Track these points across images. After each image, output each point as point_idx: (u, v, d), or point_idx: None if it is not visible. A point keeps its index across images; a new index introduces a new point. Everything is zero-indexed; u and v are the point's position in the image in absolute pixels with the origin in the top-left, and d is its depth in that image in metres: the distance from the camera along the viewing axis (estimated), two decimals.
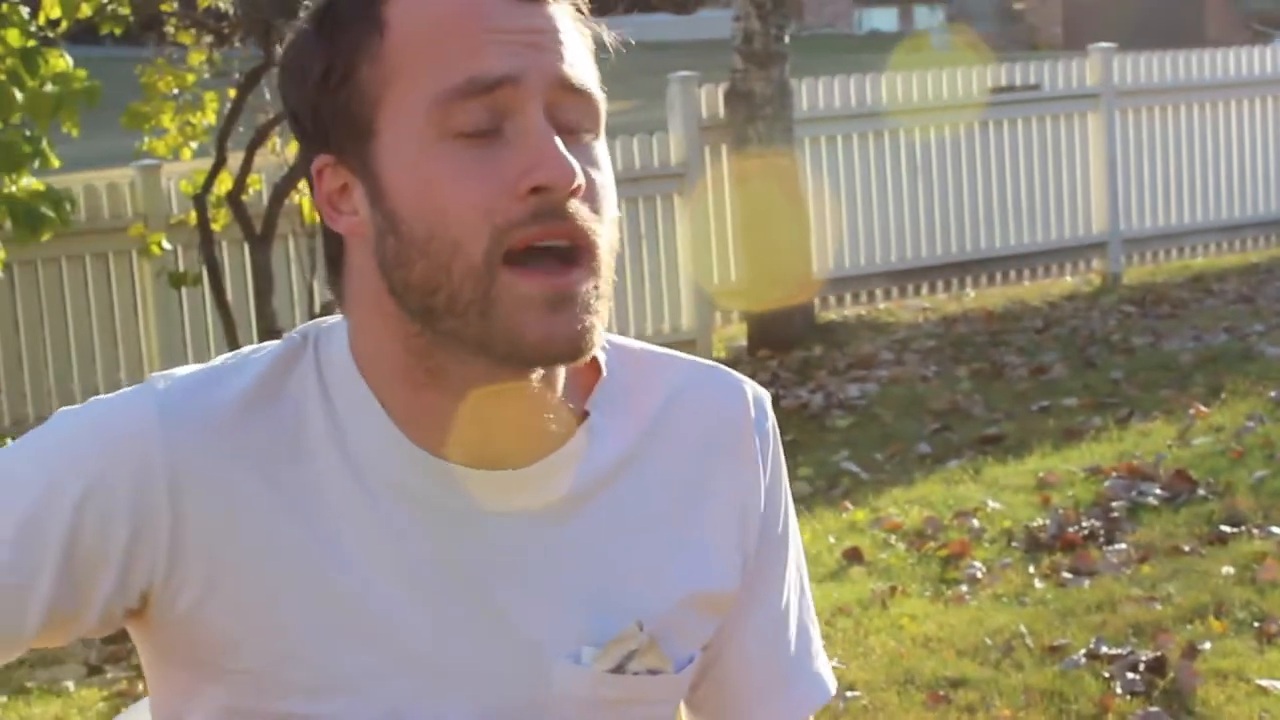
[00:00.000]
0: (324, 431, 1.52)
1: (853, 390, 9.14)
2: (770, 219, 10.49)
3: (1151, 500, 6.66)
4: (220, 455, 1.50)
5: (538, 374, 1.48)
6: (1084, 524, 6.42)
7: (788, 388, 9.37)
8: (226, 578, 1.50)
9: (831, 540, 6.53)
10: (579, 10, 1.51)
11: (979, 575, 6.00)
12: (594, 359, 1.59)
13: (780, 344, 10.38)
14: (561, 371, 1.53)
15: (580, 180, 1.42)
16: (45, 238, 6.25)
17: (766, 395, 1.70)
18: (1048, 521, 6.50)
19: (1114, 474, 7.05)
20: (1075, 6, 45.44)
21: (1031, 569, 6.01)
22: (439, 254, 1.43)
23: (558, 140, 1.43)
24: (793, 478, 6.86)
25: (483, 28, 1.44)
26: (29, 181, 6.18)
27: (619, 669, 1.55)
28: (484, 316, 1.42)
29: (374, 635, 1.51)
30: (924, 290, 11.76)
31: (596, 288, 1.45)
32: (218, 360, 1.57)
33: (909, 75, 11.65)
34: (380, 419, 1.51)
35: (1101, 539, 6.27)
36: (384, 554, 1.51)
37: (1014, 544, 6.33)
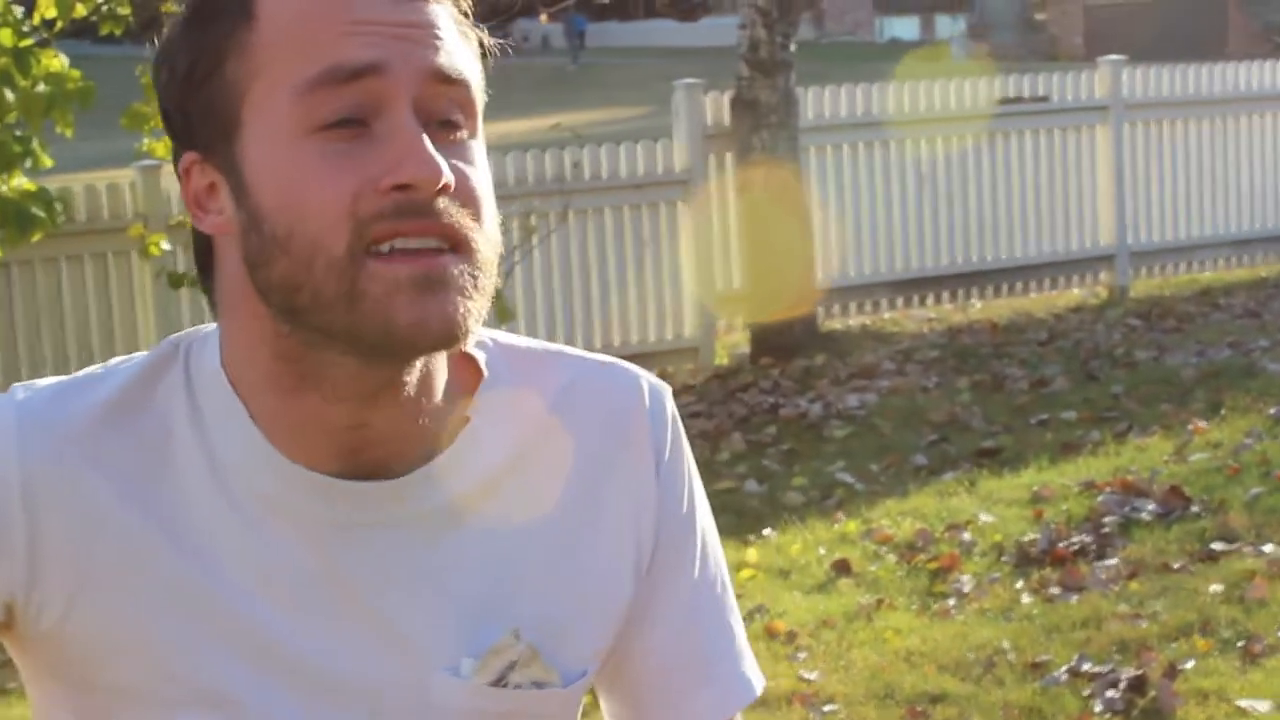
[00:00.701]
0: (191, 443, 1.49)
1: (852, 400, 9.11)
2: (774, 228, 10.48)
3: (1144, 516, 6.63)
4: (79, 466, 1.46)
5: (413, 375, 1.44)
6: (1075, 539, 6.40)
7: (788, 397, 9.34)
8: (90, 592, 1.46)
9: (821, 551, 6.51)
10: (462, 13, 1.47)
11: (966, 589, 5.98)
12: (475, 362, 1.55)
13: (783, 352, 10.35)
14: (440, 375, 1.48)
15: (447, 179, 1.38)
16: (35, 238, 6.25)
17: (666, 390, 1.63)
18: (1039, 536, 6.47)
19: (1108, 489, 7.03)
20: (1096, 18, 45.43)
21: (1020, 584, 5.99)
22: (300, 251, 1.38)
23: (425, 138, 1.38)
24: (787, 487, 6.91)
25: (351, 18, 1.40)
26: (20, 182, 6.17)
27: (499, 682, 1.51)
28: (352, 307, 1.38)
29: (249, 648, 1.48)
30: (929, 300, 11.73)
31: (473, 276, 1.40)
32: (85, 370, 1.54)
33: (916, 85, 11.62)
34: (248, 430, 1.48)
35: (1092, 554, 6.25)
36: (256, 567, 1.48)
37: (1004, 558, 6.31)
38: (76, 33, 6.78)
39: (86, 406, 1.49)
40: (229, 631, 1.48)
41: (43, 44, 6.27)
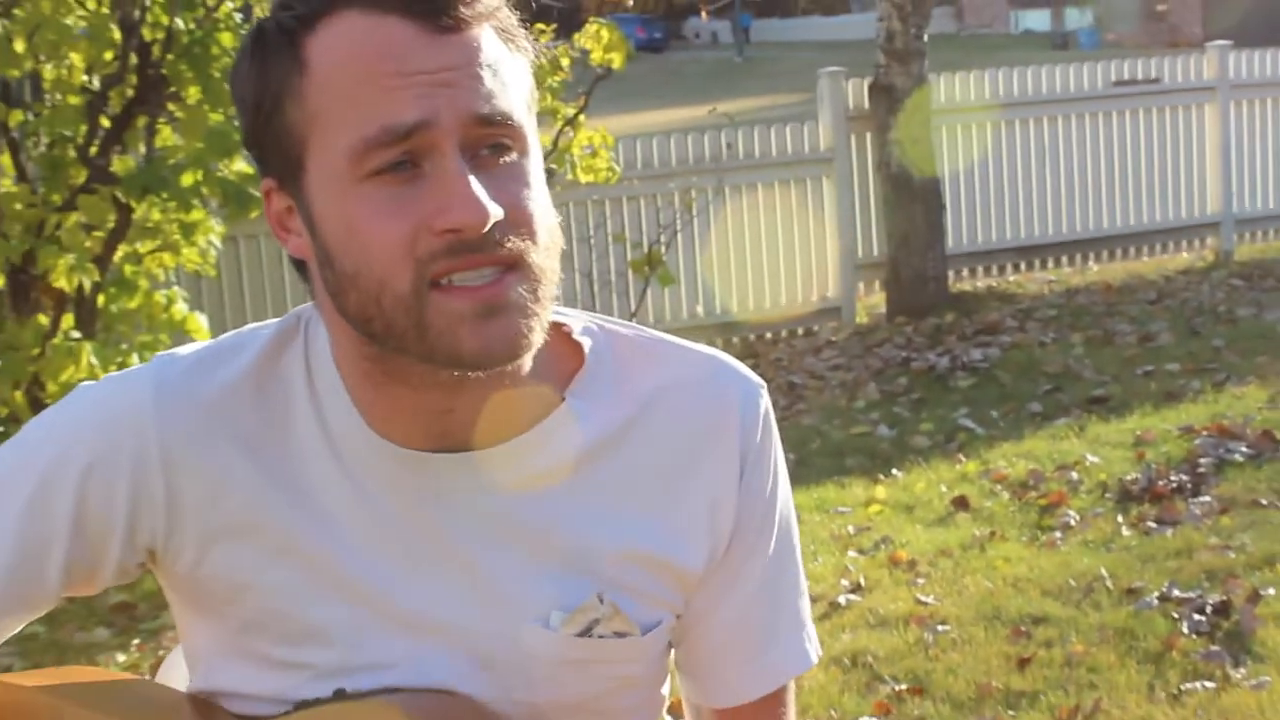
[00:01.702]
0: (309, 413, 1.49)
1: (976, 354, 9.01)
2: (910, 199, 10.41)
3: (1237, 457, 6.50)
4: (210, 434, 1.47)
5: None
6: (1173, 478, 6.28)
7: (919, 351, 9.26)
8: (218, 542, 1.49)
9: (943, 489, 6.46)
10: (501, 25, 1.42)
11: (1072, 523, 5.90)
12: (579, 347, 1.53)
13: (916, 311, 10.27)
14: (524, 364, 1.45)
15: (495, 215, 1.34)
16: (254, 215, 6.31)
17: (760, 389, 1.58)
18: (1140, 475, 6.36)
19: (1205, 433, 6.89)
20: (1214, 6, 44.42)
21: (1120, 518, 5.90)
22: (368, 288, 1.36)
23: (472, 180, 1.34)
24: (913, 433, 6.86)
25: (396, 70, 1.35)
26: (240, 166, 6.26)
27: (585, 633, 1.51)
28: (421, 337, 1.36)
29: (356, 594, 1.49)
30: (1050, 264, 11.56)
31: (533, 290, 1.38)
32: (222, 338, 1.54)
33: (1038, 70, 11.45)
34: (348, 410, 1.48)
35: (1188, 492, 6.13)
36: (364, 524, 1.48)
37: (1107, 495, 6.21)
38: None
39: (221, 380, 1.50)
40: (339, 579, 1.49)
41: None
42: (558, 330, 1.51)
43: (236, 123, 6.16)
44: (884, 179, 10.48)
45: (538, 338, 1.39)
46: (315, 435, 1.49)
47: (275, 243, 8.69)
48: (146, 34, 6.04)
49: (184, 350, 1.53)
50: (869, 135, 10.58)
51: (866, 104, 10.56)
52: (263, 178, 1.45)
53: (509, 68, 1.40)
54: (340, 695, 1.50)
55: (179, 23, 6.03)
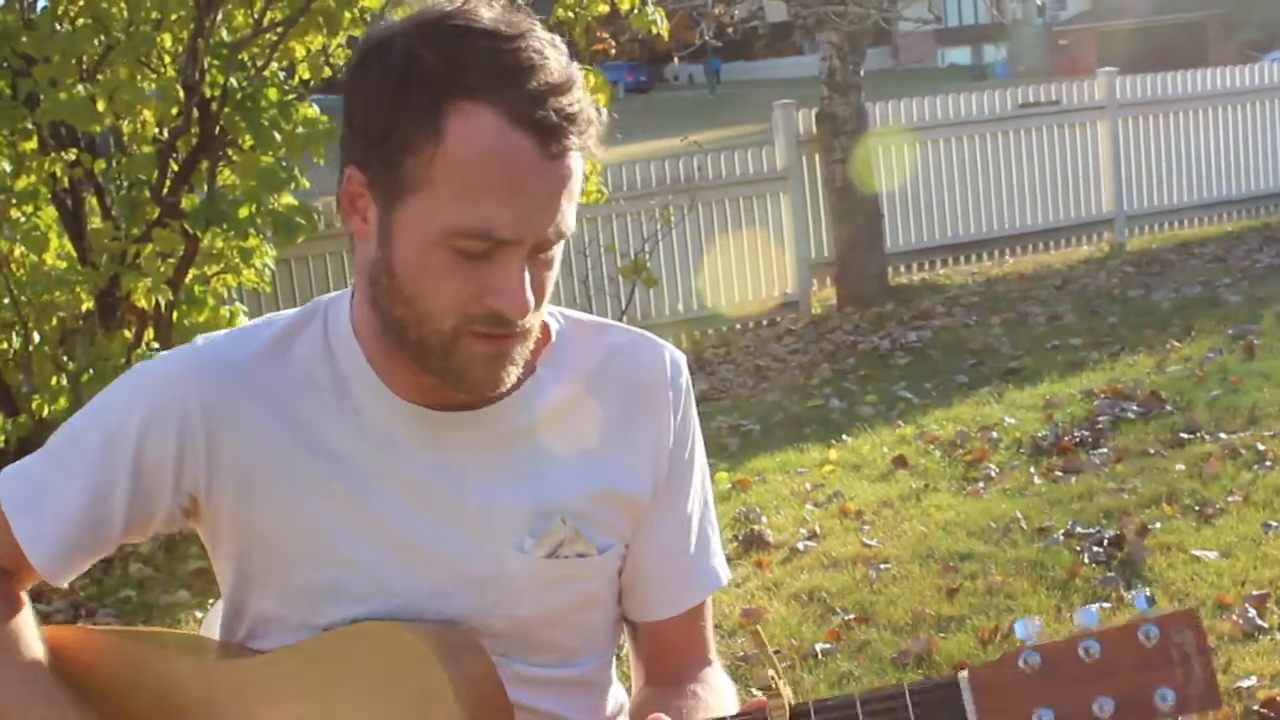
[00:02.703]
0: (329, 377, 1.52)
1: (912, 336, 9.00)
2: (852, 208, 10.39)
3: (1130, 415, 6.49)
4: (241, 392, 1.50)
5: None
6: (1076, 434, 6.27)
7: (864, 336, 9.25)
8: (252, 488, 1.51)
9: (885, 450, 6.45)
10: (587, 146, 1.42)
11: (993, 475, 5.89)
12: (548, 328, 1.58)
13: (862, 302, 10.26)
14: None
15: (530, 309, 1.42)
16: (300, 240, 6.31)
17: (682, 358, 1.66)
18: (1049, 433, 6.35)
19: (1103, 395, 6.88)
20: (1106, 40, 44.36)
21: (1033, 469, 5.89)
22: (417, 312, 1.41)
23: (527, 280, 1.40)
24: (859, 404, 6.85)
25: (512, 188, 1.36)
26: (287, 199, 6.25)
27: (553, 554, 1.55)
28: (444, 362, 1.43)
29: (368, 526, 1.51)
30: (973, 259, 11.54)
31: (526, 351, 1.47)
32: (251, 323, 1.58)
33: (958, 96, 11.44)
34: (368, 375, 1.51)
35: (1089, 445, 6.12)
36: (376, 468, 1.51)
37: (1022, 450, 6.21)
38: (326, 88, 6.84)
39: (250, 350, 1.52)
40: (354, 515, 1.51)
41: (300, 98, 6.34)
42: None
43: (285, 163, 6.17)
44: (831, 192, 10.46)
45: (515, 375, 1.47)
46: (332, 392, 1.52)
47: (319, 262, 8.69)
48: (206, 91, 6.03)
49: (218, 333, 1.57)
50: (817, 156, 10.55)
51: (815, 130, 10.55)
52: (352, 162, 1.42)
53: (579, 182, 1.44)
54: (356, 622, 1.51)
55: (233, 81, 6.02)
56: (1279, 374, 6.92)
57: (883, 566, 4.89)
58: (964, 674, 1.35)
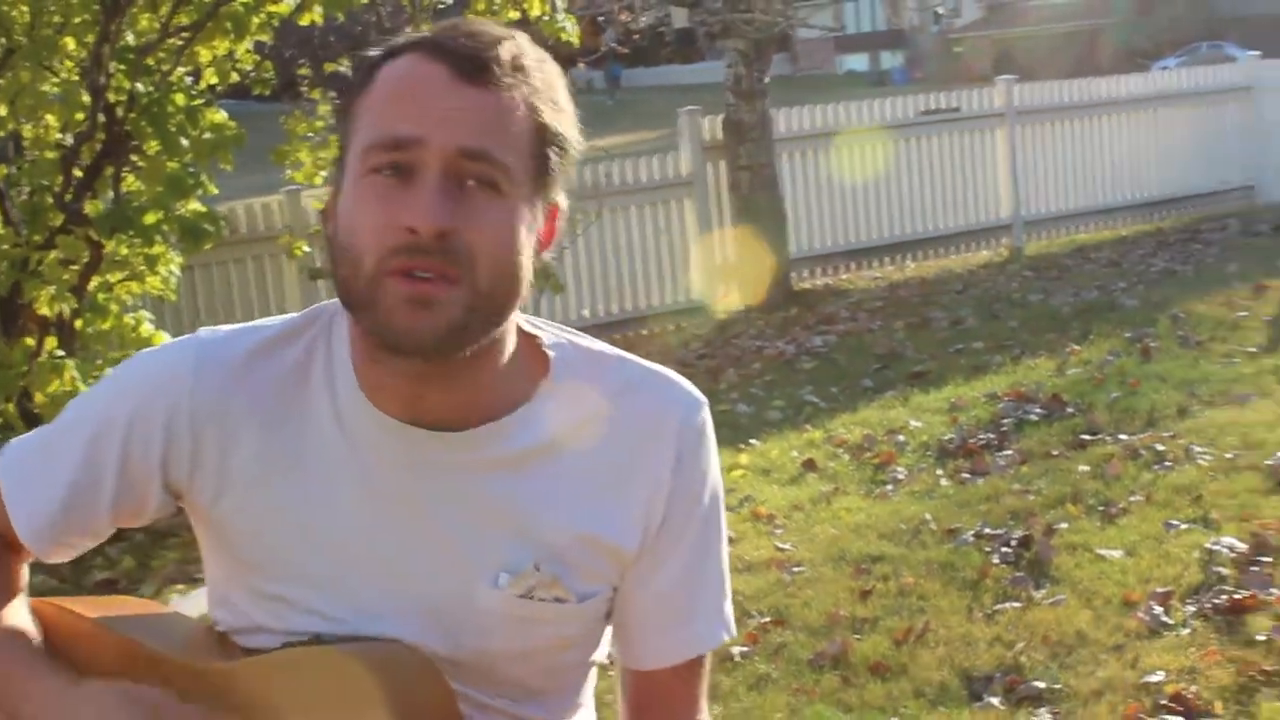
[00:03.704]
0: (323, 385, 1.49)
1: (817, 341, 9.09)
2: (757, 214, 10.46)
3: (1033, 417, 6.61)
4: (233, 394, 1.48)
5: (449, 366, 1.41)
6: (981, 437, 6.38)
7: (770, 340, 9.32)
8: (231, 489, 1.49)
9: (794, 454, 6.51)
10: (535, 101, 1.40)
11: (901, 477, 5.97)
12: (547, 355, 1.51)
13: (766, 307, 10.33)
14: (487, 365, 1.45)
15: (439, 227, 1.34)
16: (207, 247, 6.23)
17: (702, 401, 1.55)
18: (955, 435, 6.46)
19: (1006, 398, 7.01)
20: (1000, 49, 45.03)
21: (940, 471, 5.98)
22: (351, 262, 1.37)
23: (439, 195, 1.35)
24: (766, 409, 6.87)
25: (415, 98, 1.37)
26: (194, 206, 6.18)
27: (528, 595, 1.49)
28: (373, 311, 1.36)
29: (340, 545, 1.48)
30: (875, 264, 11.66)
31: (468, 307, 1.36)
32: (259, 320, 1.55)
33: (861, 103, 11.57)
34: (351, 380, 1.48)
35: (994, 447, 6.23)
36: (355, 485, 1.48)
37: (928, 453, 6.30)
38: (233, 94, 6.78)
39: (245, 347, 1.50)
40: (330, 532, 1.48)
41: (207, 103, 6.27)
42: (530, 341, 1.51)
43: (192, 170, 6.11)
44: (736, 198, 10.53)
45: (469, 339, 1.38)
46: (325, 404, 1.48)
47: (224, 270, 8.62)
48: (111, 96, 5.95)
49: (223, 327, 1.54)
50: (722, 162, 10.62)
51: (720, 136, 10.61)
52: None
53: (524, 135, 1.40)
54: (317, 639, 1.49)
55: (139, 86, 5.94)
56: (1175, 376, 7.08)
57: (796, 569, 4.94)
58: None
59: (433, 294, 1.35)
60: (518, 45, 1.41)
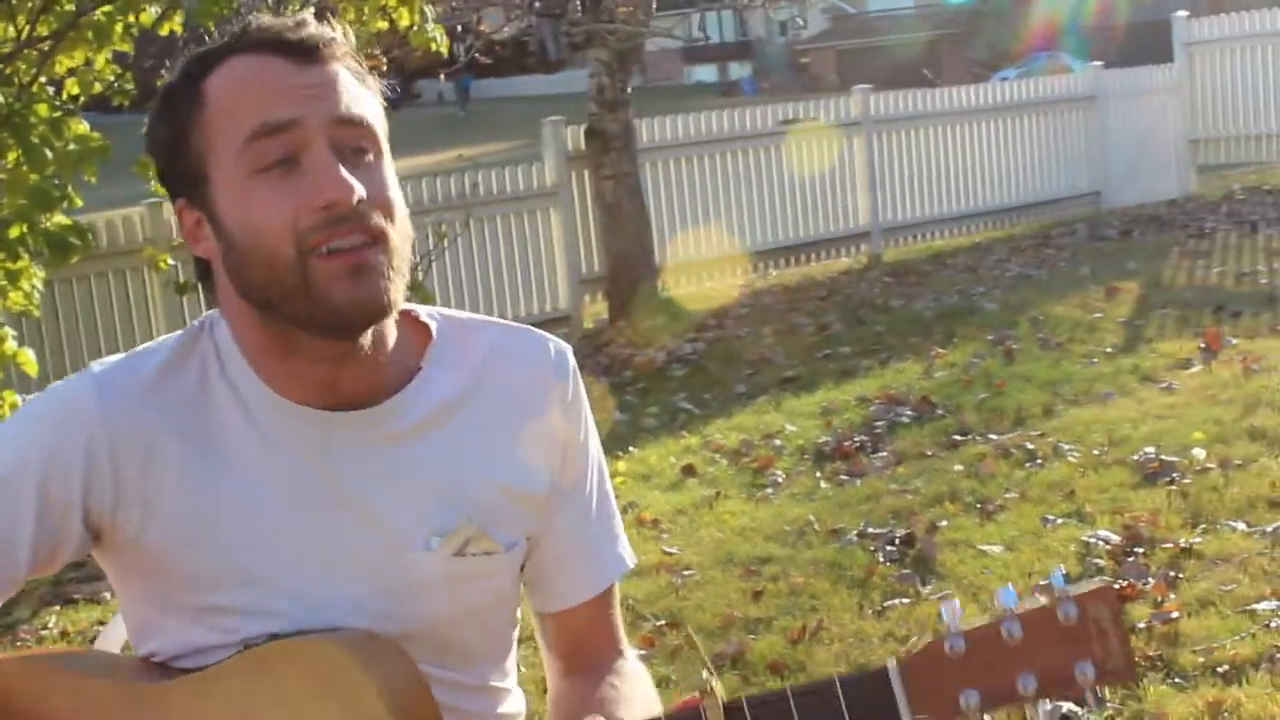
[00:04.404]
0: (223, 389, 1.53)
1: (687, 348, 9.15)
2: (622, 224, 10.52)
3: (904, 419, 6.74)
4: (144, 414, 1.50)
5: (366, 340, 1.48)
6: (855, 439, 6.49)
7: (639, 348, 9.35)
8: (157, 506, 1.51)
9: (672, 460, 6.56)
10: (356, 69, 1.50)
11: (780, 480, 6.05)
12: (427, 328, 1.60)
13: (634, 316, 10.38)
14: (389, 337, 1.53)
15: (360, 194, 1.42)
16: (74, 260, 6.11)
17: (567, 348, 1.68)
18: (830, 438, 6.56)
19: (877, 401, 7.14)
20: (845, 59, 45.75)
21: (818, 474, 6.08)
22: (261, 260, 1.43)
23: (340, 167, 1.43)
24: (641, 416, 6.91)
25: (270, 87, 1.44)
26: (60, 219, 6.06)
27: (460, 553, 1.56)
28: (307, 295, 1.42)
29: (273, 540, 1.52)
30: (739, 272, 11.78)
31: (391, 263, 1.45)
32: (142, 346, 1.58)
33: (721, 114, 11.70)
34: (255, 382, 1.52)
35: (869, 449, 6.35)
36: (276, 478, 1.52)
37: (806, 456, 6.39)
38: (94, 105, 6.65)
39: (148, 369, 1.53)
40: (257, 527, 1.51)
41: (70, 114, 6.15)
42: (407, 316, 1.59)
43: (56, 181, 5.98)
44: (601, 207, 10.57)
45: (395, 300, 1.46)
46: (231, 405, 1.52)
47: (85, 284, 8.43)
48: None
49: (112, 357, 1.57)
50: (586, 172, 10.65)
51: (583, 146, 10.65)
52: (175, 202, 1.52)
53: (363, 95, 1.50)
54: (274, 639, 1.51)
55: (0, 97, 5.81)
56: (1039, 376, 7.28)
57: (685, 573, 4.98)
58: (891, 662, 1.41)
59: (367, 259, 1.43)
60: (312, 24, 1.50)
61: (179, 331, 1.58)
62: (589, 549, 1.67)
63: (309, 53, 1.46)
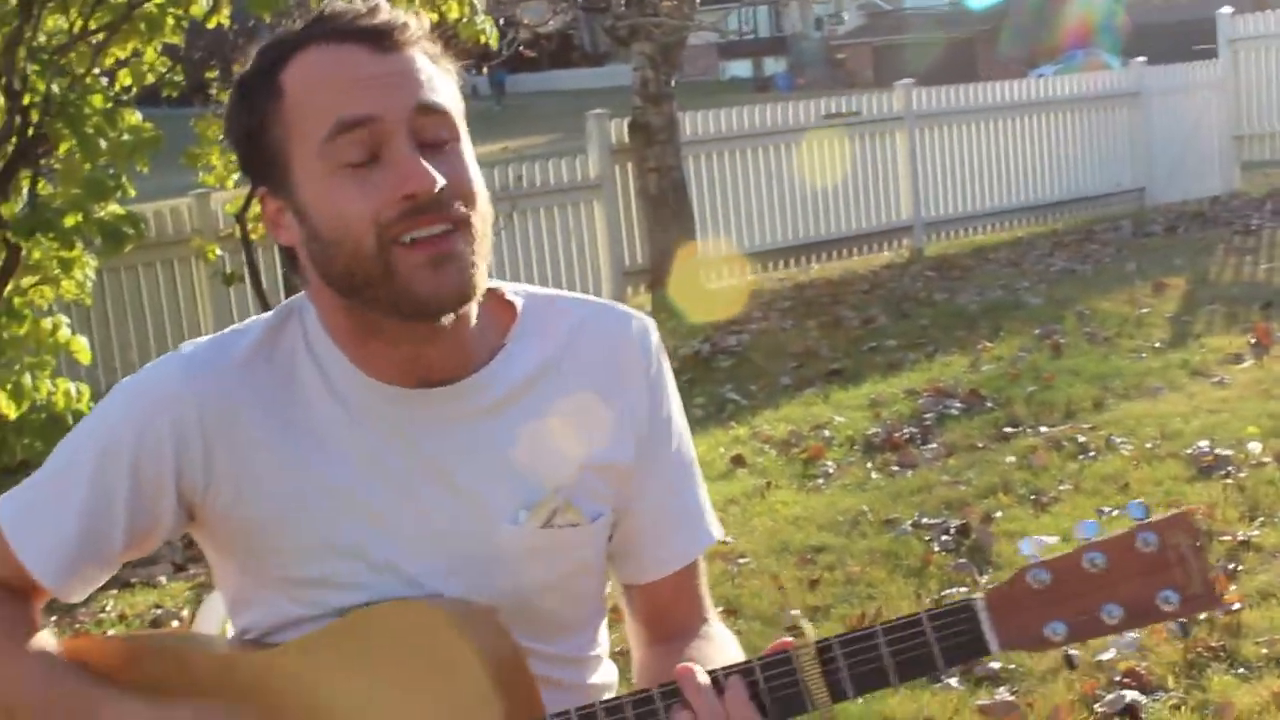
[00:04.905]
0: (311, 370, 1.55)
1: (732, 340, 9.15)
2: (666, 216, 10.53)
3: (954, 411, 6.73)
4: (235, 391, 1.53)
5: (447, 320, 1.49)
6: (905, 431, 6.48)
7: (684, 340, 9.36)
8: (249, 482, 1.53)
9: (721, 450, 6.56)
10: (431, 50, 1.51)
11: (831, 471, 6.05)
12: (512, 305, 1.61)
13: (677, 308, 10.37)
14: (471, 316, 1.54)
15: (441, 183, 1.43)
16: (127, 249, 6.16)
17: (651, 323, 1.69)
18: (879, 430, 6.55)
19: (926, 394, 7.12)
20: (881, 55, 45.62)
21: (869, 464, 6.07)
22: (347, 251, 1.45)
23: (420, 159, 1.44)
24: (689, 406, 6.87)
25: (348, 78, 1.45)
26: (113, 208, 6.10)
27: (547, 525, 1.57)
28: (390, 285, 1.44)
29: (362, 512, 1.54)
30: (782, 265, 11.78)
31: (473, 249, 1.47)
32: (230, 327, 1.60)
33: (765, 107, 11.70)
34: (344, 363, 1.54)
35: (919, 440, 6.34)
36: (364, 454, 1.54)
37: (855, 447, 6.39)
38: (141, 98, 6.69)
39: (238, 348, 1.56)
40: (347, 501, 1.53)
41: (123, 104, 6.19)
42: (493, 293, 1.60)
43: (110, 171, 6.02)
44: (644, 200, 10.59)
45: (478, 285, 1.48)
46: (318, 386, 1.55)
47: (132, 274, 8.47)
48: (26, 99, 5.85)
49: (200, 338, 1.60)
50: (630, 165, 10.67)
51: (626, 139, 10.66)
52: (256, 189, 1.54)
53: (441, 78, 1.50)
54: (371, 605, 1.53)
55: (54, 88, 5.85)
56: (1088, 370, 7.26)
57: (741, 561, 4.99)
58: (979, 596, 1.43)
59: (449, 248, 1.45)
60: (386, 9, 1.51)
61: (269, 313, 1.60)
62: (677, 521, 1.68)
63: (385, 39, 1.47)
